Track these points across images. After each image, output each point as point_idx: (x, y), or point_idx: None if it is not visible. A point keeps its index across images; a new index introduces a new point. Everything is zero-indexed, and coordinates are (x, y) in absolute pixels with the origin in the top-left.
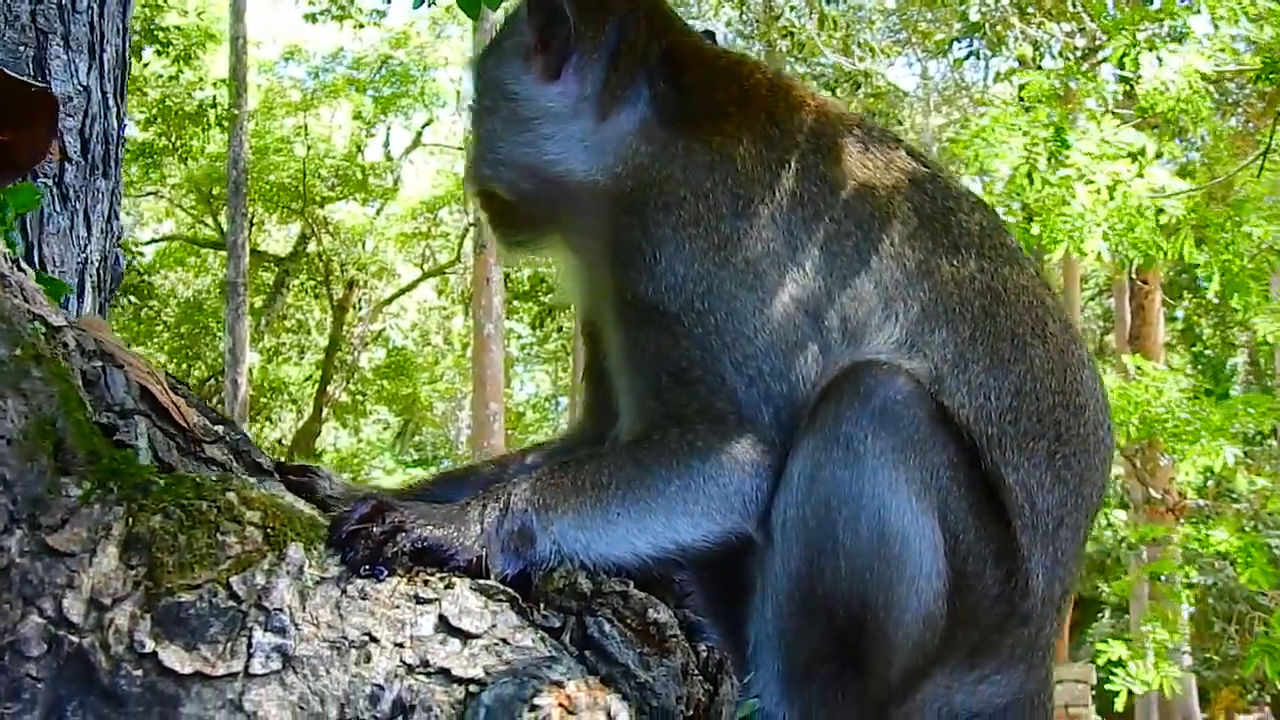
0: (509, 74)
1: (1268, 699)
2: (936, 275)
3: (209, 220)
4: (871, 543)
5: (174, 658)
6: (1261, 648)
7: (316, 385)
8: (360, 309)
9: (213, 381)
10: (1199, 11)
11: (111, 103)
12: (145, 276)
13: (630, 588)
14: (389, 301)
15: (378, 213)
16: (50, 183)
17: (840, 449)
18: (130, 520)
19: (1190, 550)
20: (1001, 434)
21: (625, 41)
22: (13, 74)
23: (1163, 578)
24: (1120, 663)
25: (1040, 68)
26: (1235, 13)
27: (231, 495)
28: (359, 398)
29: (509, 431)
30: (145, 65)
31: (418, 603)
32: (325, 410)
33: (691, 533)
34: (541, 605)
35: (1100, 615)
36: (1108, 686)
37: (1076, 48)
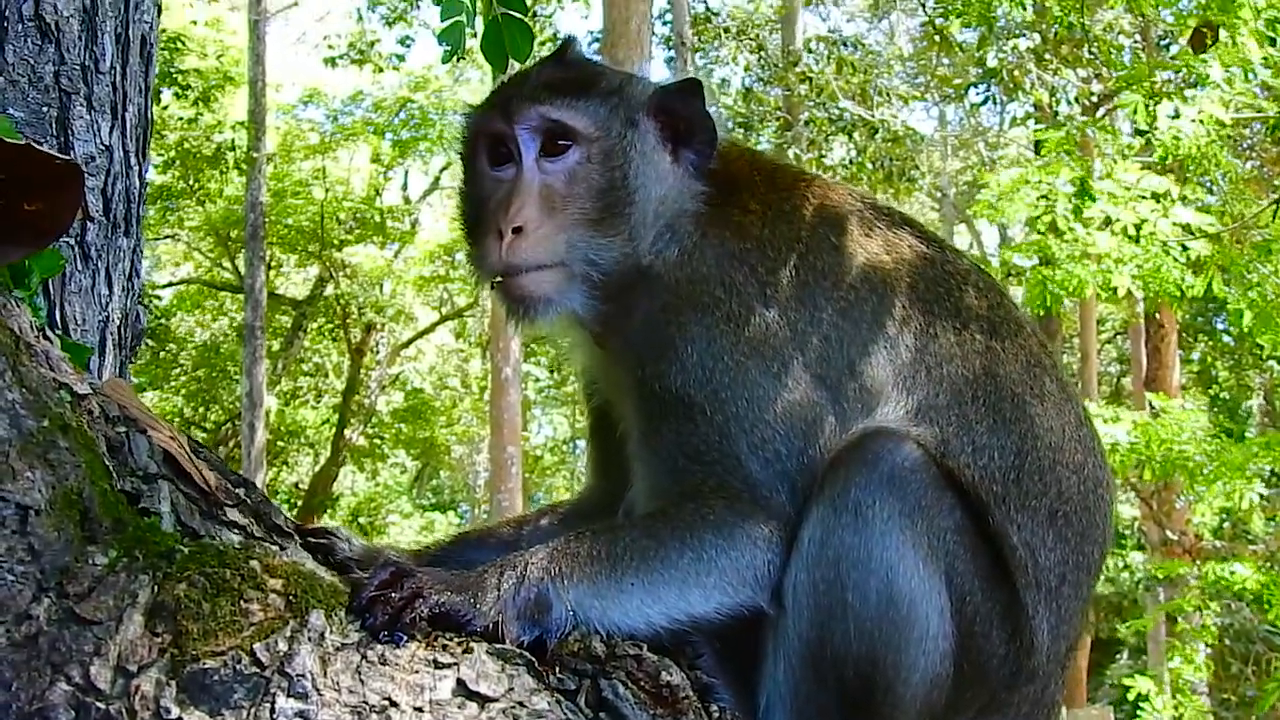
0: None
1: None
2: (941, 342)
3: (227, 263)
4: (880, 606)
5: None
6: (1278, 685)
7: (334, 429)
8: (378, 352)
9: (230, 425)
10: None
11: (133, 161)
12: (162, 320)
13: (643, 650)
14: (407, 344)
15: (395, 256)
16: (72, 242)
17: (849, 515)
18: (155, 588)
19: (1212, 587)
20: (1005, 493)
21: (684, 119)
22: (41, 146)
23: (1180, 618)
24: (1146, 698)
25: (1056, 113)
26: (1249, 64)
27: (255, 563)
28: (376, 441)
29: (526, 475)
30: (164, 108)
31: (436, 667)
32: (343, 454)
33: (704, 605)
34: (557, 668)
35: (1119, 656)
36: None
37: (1093, 93)
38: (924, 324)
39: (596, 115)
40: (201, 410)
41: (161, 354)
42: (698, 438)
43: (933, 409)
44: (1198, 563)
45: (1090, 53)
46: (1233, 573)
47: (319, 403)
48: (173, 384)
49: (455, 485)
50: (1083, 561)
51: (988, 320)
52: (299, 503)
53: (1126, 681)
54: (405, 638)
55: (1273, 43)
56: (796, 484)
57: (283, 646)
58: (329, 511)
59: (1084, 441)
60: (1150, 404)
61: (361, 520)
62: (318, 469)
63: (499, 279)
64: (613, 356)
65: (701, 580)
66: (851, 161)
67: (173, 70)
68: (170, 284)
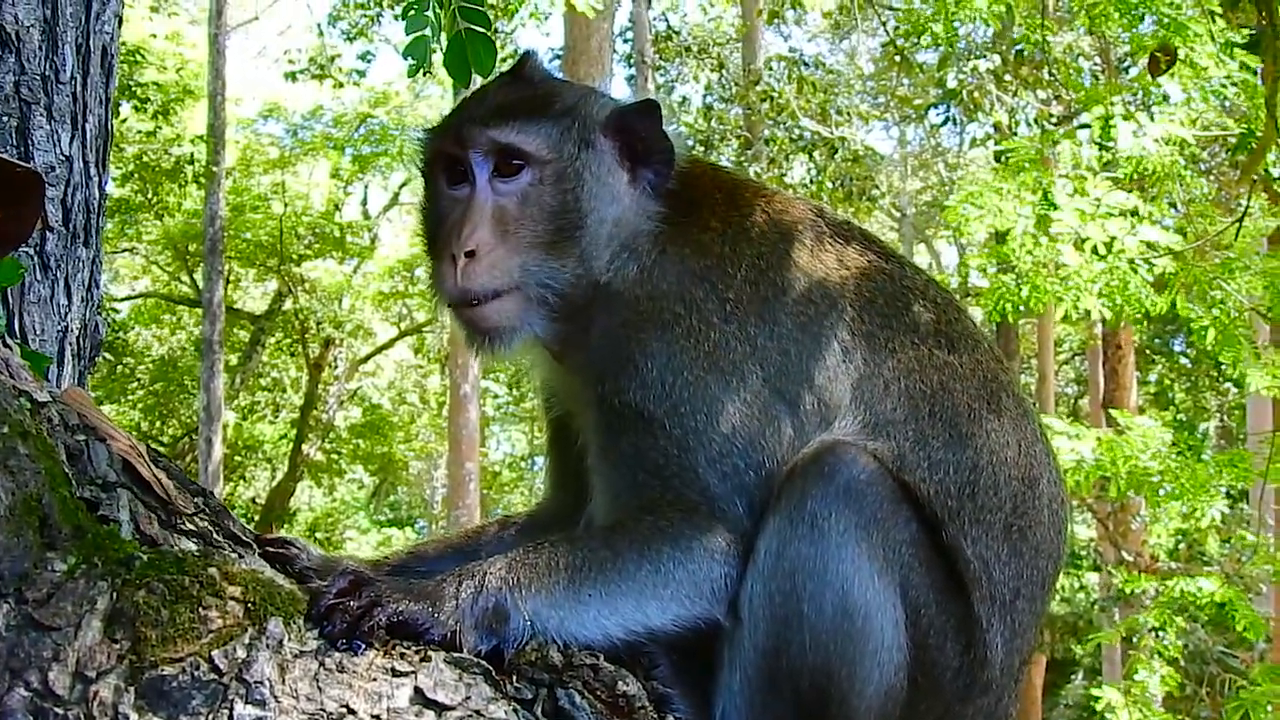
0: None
1: None
2: (898, 357)
3: (185, 277)
4: (835, 617)
5: None
6: (1241, 703)
7: (291, 444)
8: (336, 367)
9: (187, 439)
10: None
11: (93, 172)
12: (120, 334)
13: (600, 660)
14: (365, 360)
15: (355, 271)
16: (31, 252)
17: (805, 526)
18: (115, 595)
19: (1176, 603)
20: (960, 508)
21: (641, 140)
22: (2, 154)
23: (1137, 636)
24: (1111, 709)
25: (1015, 134)
26: (1205, 91)
27: (213, 570)
28: (334, 457)
29: (484, 491)
30: (123, 121)
31: (394, 675)
32: (300, 469)
33: (661, 616)
34: (514, 677)
35: (1074, 676)
36: None
37: (1052, 114)
38: (881, 339)
39: (549, 137)
40: (159, 424)
41: (119, 367)
42: (656, 451)
43: (889, 423)
44: (1161, 581)
45: (1050, 74)
46: (1199, 588)
47: (277, 417)
48: (130, 398)
49: (413, 501)
50: (1037, 576)
51: (945, 335)
52: (256, 517)
53: (1094, 691)
54: (363, 646)
55: (1231, 66)
56: (754, 497)
57: (241, 654)
58: (286, 526)
59: (1039, 457)
60: (1113, 420)
61: (319, 535)
62: (275, 484)
63: (456, 306)
64: (572, 371)
65: (659, 592)
66: (811, 180)
67: (132, 83)
68: (128, 297)
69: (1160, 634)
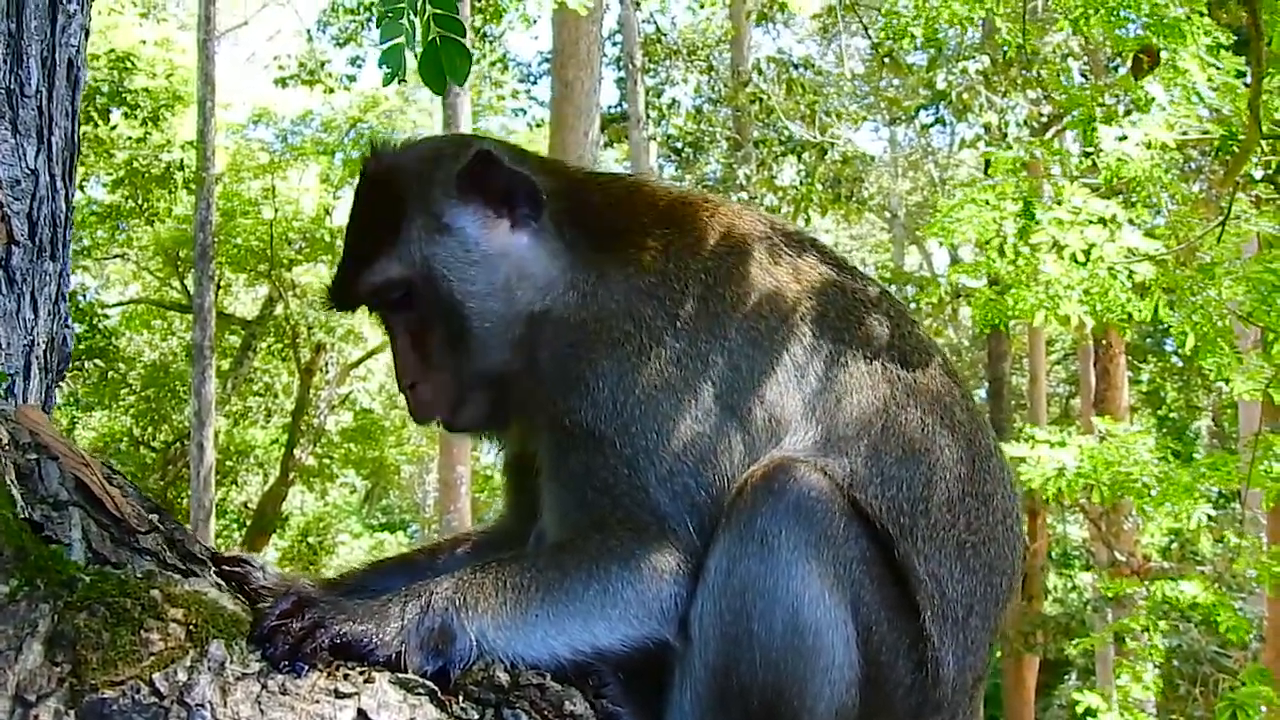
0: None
1: None
2: (850, 371)
3: (175, 283)
4: (785, 636)
5: None
6: (1231, 702)
7: (283, 448)
8: (327, 372)
9: (178, 445)
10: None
11: (60, 185)
12: (111, 340)
13: (547, 679)
14: (356, 364)
15: None
16: None
17: (755, 544)
18: (56, 617)
19: (1160, 606)
20: (913, 525)
21: (502, 189)
22: None
23: (1128, 638)
24: (1093, 712)
25: (1005, 135)
26: (1188, 90)
27: (155, 592)
28: (326, 461)
29: (476, 494)
30: (113, 128)
31: (337, 697)
32: (292, 474)
33: (609, 637)
34: (460, 698)
35: (1067, 677)
36: None
37: (1042, 115)
38: (833, 352)
39: (399, 258)
40: (150, 430)
41: (110, 374)
42: (606, 470)
43: (841, 439)
44: (1147, 582)
45: (1038, 75)
46: (1181, 592)
47: (268, 422)
48: (121, 404)
49: (405, 505)
50: (990, 593)
51: (898, 349)
52: (248, 522)
53: (1076, 695)
54: (306, 667)
55: (1216, 68)
56: (705, 516)
57: (182, 676)
58: (278, 531)
59: (993, 472)
60: (1097, 428)
61: (311, 540)
62: (267, 489)
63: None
64: (523, 393)
65: (606, 612)
66: (801, 182)
67: (122, 90)
68: (119, 303)
69: (1145, 636)
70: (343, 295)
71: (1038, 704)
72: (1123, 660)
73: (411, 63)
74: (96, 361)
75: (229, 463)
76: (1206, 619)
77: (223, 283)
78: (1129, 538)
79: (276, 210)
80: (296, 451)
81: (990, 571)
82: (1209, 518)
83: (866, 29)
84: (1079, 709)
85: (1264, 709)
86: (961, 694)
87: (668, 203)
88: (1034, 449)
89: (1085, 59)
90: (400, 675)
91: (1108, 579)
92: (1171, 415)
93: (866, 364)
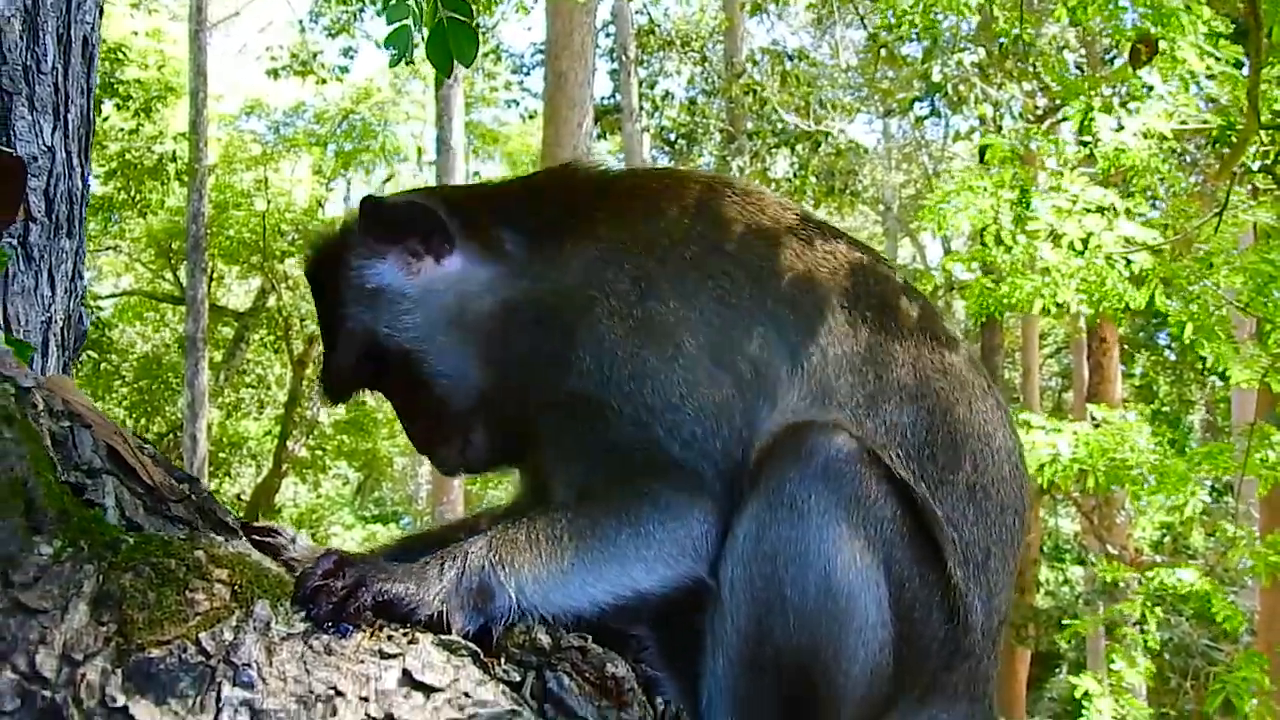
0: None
1: None
2: (828, 322)
3: (168, 275)
4: (819, 599)
5: (144, 712)
6: (1223, 685)
7: (276, 440)
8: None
9: (171, 437)
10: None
11: (76, 163)
12: (104, 331)
13: (589, 642)
14: None
15: None
16: (15, 242)
17: (785, 509)
18: (101, 578)
19: (1155, 594)
20: (923, 471)
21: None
22: None
23: (1121, 624)
24: (1089, 696)
25: (1000, 127)
26: (1185, 80)
27: (200, 553)
28: (318, 453)
29: (468, 487)
30: (105, 119)
31: (382, 657)
32: (285, 465)
33: (647, 578)
34: (502, 659)
35: (1058, 669)
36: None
37: (1037, 107)
38: (806, 304)
39: (351, 338)
40: (143, 421)
41: (103, 365)
42: (612, 432)
43: (836, 390)
44: (1143, 572)
45: (1035, 68)
46: (1179, 580)
47: (261, 414)
48: (114, 395)
49: (397, 497)
50: (1005, 534)
51: (873, 295)
52: (241, 514)
53: (1072, 679)
54: (350, 629)
55: (1215, 57)
56: (720, 463)
57: (228, 636)
58: (273, 522)
59: (991, 411)
60: (1091, 415)
61: (304, 532)
62: (260, 480)
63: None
64: (516, 405)
65: (642, 554)
66: (795, 174)
67: (114, 81)
68: (112, 295)
69: (1141, 626)
70: (329, 390)
71: (1029, 696)
72: (1115, 645)
73: (418, 47)
74: (90, 353)
75: (222, 454)
76: (1199, 611)
77: (215, 275)
78: (1121, 531)
79: (269, 202)
80: (289, 443)
81: (1003, 511)
82: (1202, 510)
83: (863, 19)
84: (1077, 692)
85: (1254, 702)
86: (989, 639)
87: (610, 179)
88: (1029, 434)
89: (1081, 50)
90: (443, 637)
91: (1105, 564)
92: (1164, 408)
93: (846, 313)
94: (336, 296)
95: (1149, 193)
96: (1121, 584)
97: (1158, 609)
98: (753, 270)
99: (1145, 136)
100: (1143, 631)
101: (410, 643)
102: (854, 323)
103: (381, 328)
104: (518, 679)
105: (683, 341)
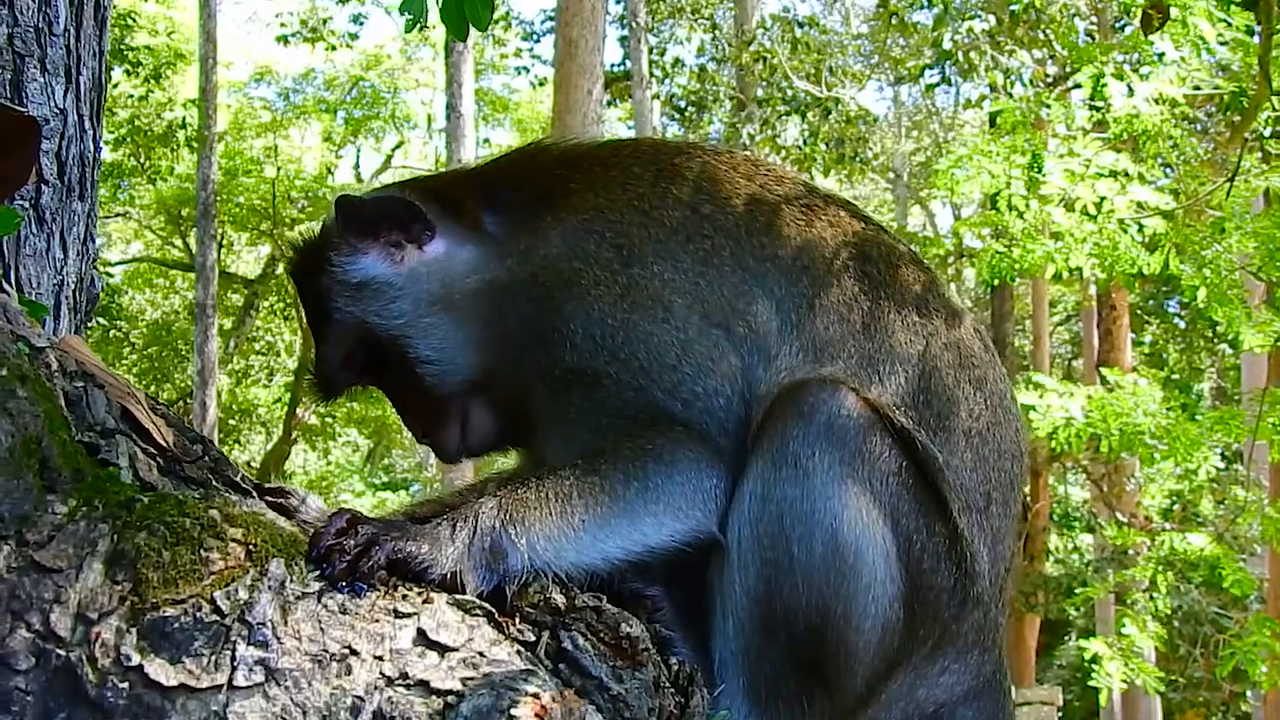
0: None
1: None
2: (810, 276)
3: (178, 242)
4: (826, 557)
5: (159, 670)
6: (1236, 649)
7: (285, 407)
8: None
9: (181, 403)
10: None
11: (87, 125)
12: (114, 298)
13: (603, 602)
14: None
15: None
16: (27, 205)
17: (789, 468)
18: (115, 537)
19: (1165, 560)
20: (920, 420)
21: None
22: None
23: (1132, 594)
24: (1097, 659)
25: (1010, 95)
26: (1198, 46)
27: (214, 512)
28: (328, 420)
29: None
30: (115, 86)
31: (396, 616)
32: (294, 432)
33: (657, 532)
34: (517, 619)
35: (1067, 637)
36: (1090, 683)
37: (1048, 75)
38: (788, 260)
39: (340, 333)
40: (153, 388)
41: (113, 332)
42: (613, 400)
43: (828, 343)
44: (1153, 538)
45: (1045, 35)
46: (1189, 545)
47: (271, 381)
48: (124, 362)
49: (407, 464)
50: (1004, 478)
51: (854, 248)
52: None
53: (1081, 643)
54: (365, 587)
55: (1227, 23)
56: (722, 420)
57: (243, 595)
58: None
59: (980, 355)
60: (1103, 379)
61: (315, 498)
62: (270, 447)
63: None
64: (511, 383)
65: (651, 509)
66: (805, 142)
67: (124, 47)
68: (121, 262)
69: (1151, 592)
70: (321, 387)
71: (1038, 664)
72: (1125, 610)
73: (433, 12)
74: (100, 320)
75: (232, 421)
76: (1209, 579)
77: (225, 241)
78: (1130, 499)
79: (279, 169)
80: (299, 410)
81: (1000, 456)
82: (1212, 478)
83: None
84: (1086, 654)
85: (1264, 668)
86: (995, 586)
87: (584, 152)
88: (1043, 397)
89: (1092, 17)
90: (457, 597)
91: (1115, 528)
92: (1174, 376)
93: (825, 266)
94: (323, 293)
95: (1161, 159)
96: (1131, 550)
97: (1168, 573)
98: (730, 230)
99: (1157, 102)
100: (1152, 597)
101: (425, 602)
102: (837, 274)
103: (370, 317)
104: (532, 639)
105: (671, 303)
